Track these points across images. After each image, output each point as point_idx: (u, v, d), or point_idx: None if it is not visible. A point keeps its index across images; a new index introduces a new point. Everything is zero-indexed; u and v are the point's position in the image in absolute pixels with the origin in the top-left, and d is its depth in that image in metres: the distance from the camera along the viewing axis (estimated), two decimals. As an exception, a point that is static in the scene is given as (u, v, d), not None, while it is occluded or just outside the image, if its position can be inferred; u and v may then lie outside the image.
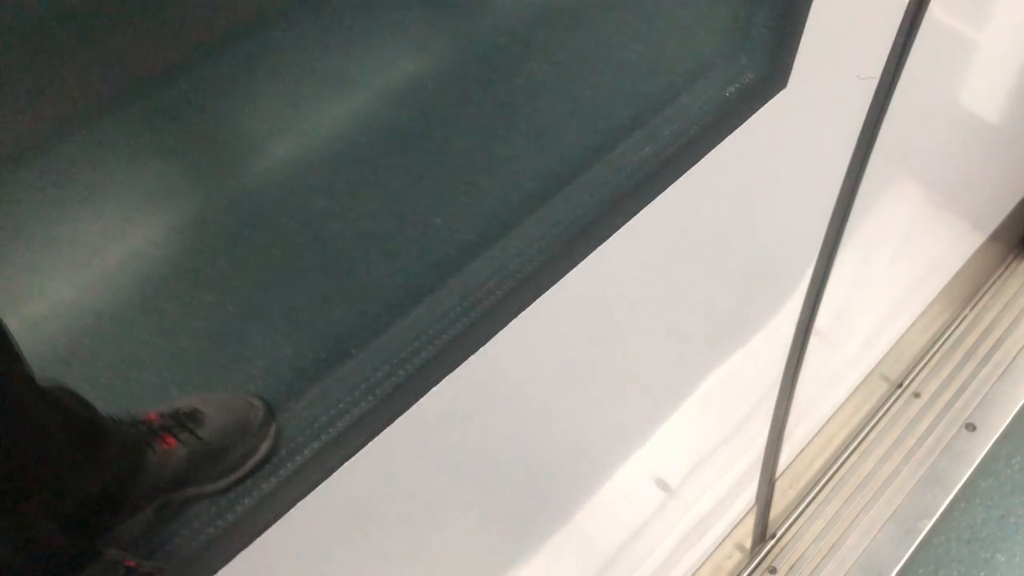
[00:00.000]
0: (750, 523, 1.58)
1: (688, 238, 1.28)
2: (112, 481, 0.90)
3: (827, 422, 1.73)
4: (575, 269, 1.10)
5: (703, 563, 1.56)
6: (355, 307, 1.22)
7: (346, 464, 0.97)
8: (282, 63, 1.50)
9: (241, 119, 1.45)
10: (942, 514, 1.61)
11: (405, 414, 1.00)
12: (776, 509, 1.58)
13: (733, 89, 1.25)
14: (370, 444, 0.98)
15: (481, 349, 1.03)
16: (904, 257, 1.83)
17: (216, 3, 1.49)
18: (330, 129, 1.44)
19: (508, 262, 1.13)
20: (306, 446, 1.00)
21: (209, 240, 1.31)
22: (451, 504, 1.16)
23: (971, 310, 1.91)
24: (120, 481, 0.91)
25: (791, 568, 1.55)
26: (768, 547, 1.57)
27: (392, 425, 0.99)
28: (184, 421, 0.97)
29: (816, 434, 1.71)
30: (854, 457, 1.69)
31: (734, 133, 1.19)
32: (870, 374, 1.77)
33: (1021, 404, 1.76)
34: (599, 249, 1.11)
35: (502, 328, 1.04)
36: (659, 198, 1.14)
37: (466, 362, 1.03)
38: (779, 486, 1.58)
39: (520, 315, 1.06)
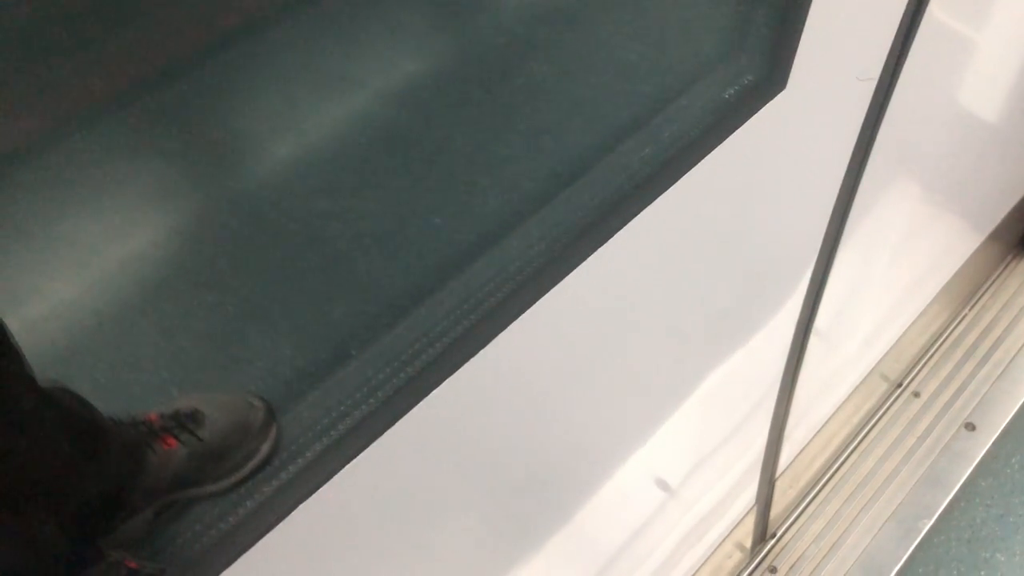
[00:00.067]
0: (750, 523, 1.58)
1: (688, 239, 1.28)
2: (113, 482, 0.90)
3: (827, 422, 1.73)
4: (575, 271, 1.10)
5: (703, 563, 1.56)
6: (355, 307, 1.22)
7: (347, 466, 0.97)
8: (282, 63, 1.50)
9: (241, 119, 1.45)
10: (942, 514, 1.61)
11: (406, 416, 1.00)
12: (776, 509, 1.58)
13: (732, 91, 1.25)
14: (371, 446, 0.98)
15: (482, 351, 1.03)
16: (903, 257, 1.83)
17: (216, 3, 1.49)
18: (330, 129, 1.44)
19: (509, 264, 1.13)
20: (308, 449, 1.00)
21: (209, 240, 1.31)
22: (452, 505, 1.16)
23: (970, 310, 1.92)
24: (121, 482, 0.91)
25: (791, 568, 1.56)
26: (768, 547, 1.58)
27: (393, 427, 0.99)
28: (184, 422, 0.97)
29: (816, 434, 1.71)
30: (854, 457, 1.69)
31: (734, 134, 1.19)
32: (870, 374, 1.77)
33: (1020, 403, 1.76)
34: (599, 251, 1.12)
35: (503, 330, 1.04)
36: (659, 199, 1.14)
37: (467, 363, 1.03)
38: (779, 486, 1.58)
39: (521, 316, 1.06)
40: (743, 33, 1.31)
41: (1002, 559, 1.72)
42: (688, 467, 1.53)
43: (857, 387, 1.76)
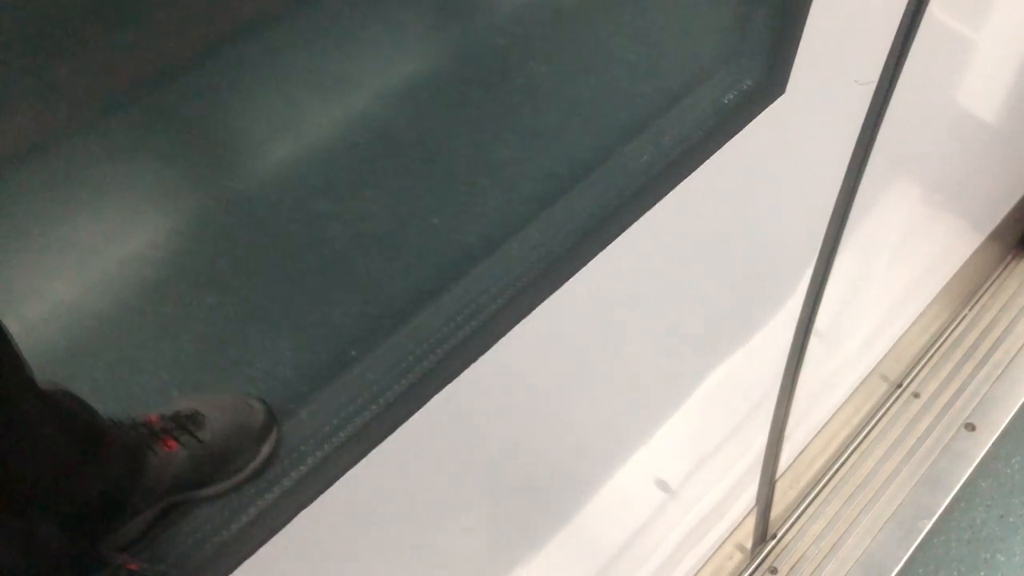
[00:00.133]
0: (751, 524, 1.58)
1: (689, 241, 1.28)
2: (113, 483, 0.90)
3: (827, 422, 1.73)
4: (575, 275, 1.10)
5: (704, 564, 1.56)
6: (355, 309, 1.22)
7: (348, 473, 0.97)
8: (282, 63, 1.50)
9: (241, 119, 1.45)
10: (942, 514, 1.61)
11: (407, 421, 0.99)
12: (777, 509, 1.58)
13: (732, 96, 1.25)
14: (372, 452, 0.98)
15: (483, 356, 1.03)
16: (903, 257, 1.83)
17: (216, 3, 1.49)
18: (330, 130, 1.44)
19: (510, 268, 1.13)
20: (310, 455, 1.00)
21: (209, 241, 1.30)
22: (454, 506, 1.16)
23: (970, 310, 1.92)
24: (121, 483, 0.91)
25: (792, 568, 1.55)
26: (769, 547, 1.57)
27: (394, 433, 0.99)
28: (185, 423, 0.97)
29: (816, 434, 1.71)
30: (854, 457, 1.69)
31: (734, 138, 1.19)
32: (870, 374, 1.77)
33: (1020, 404, 1.76)
34: (600, 254, 1.11)
35: (504, 335, 1.04)
36: (660, 203, 1.14)
37: (468, 369, 1.02)
38: (779, 486, 1.58)
39: (522, 320, 1.06)
40: (743, 36, 1.31)
41: (1002, 559, 1.72)
42: (688, 468, 1.53)
43: (857, 388, 1.76)
